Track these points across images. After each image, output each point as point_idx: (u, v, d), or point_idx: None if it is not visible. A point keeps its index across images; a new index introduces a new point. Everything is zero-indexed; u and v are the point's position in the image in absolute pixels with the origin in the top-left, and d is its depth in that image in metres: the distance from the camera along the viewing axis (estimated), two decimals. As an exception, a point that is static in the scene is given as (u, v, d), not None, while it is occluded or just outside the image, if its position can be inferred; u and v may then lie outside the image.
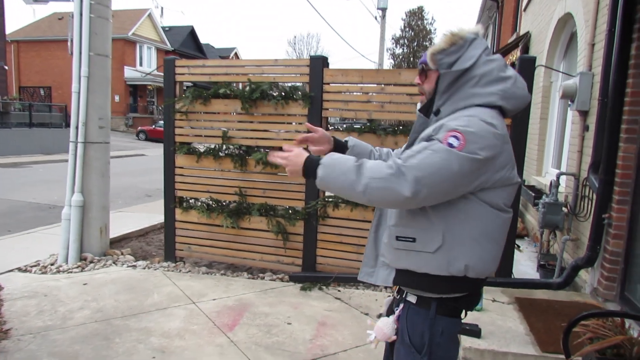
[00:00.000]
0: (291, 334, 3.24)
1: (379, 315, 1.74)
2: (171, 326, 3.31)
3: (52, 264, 4.70)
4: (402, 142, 4.10)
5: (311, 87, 4.32)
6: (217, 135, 4.64)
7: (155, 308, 3.64)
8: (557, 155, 6.05)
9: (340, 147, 1.79)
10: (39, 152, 16.67)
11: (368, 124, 4.23)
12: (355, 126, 4.21)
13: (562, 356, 2.50)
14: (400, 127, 4.17)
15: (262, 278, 4.51)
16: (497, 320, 3.15)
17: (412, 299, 1.55)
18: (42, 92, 29.92)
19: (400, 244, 1.51)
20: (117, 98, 29.63)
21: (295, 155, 1.51)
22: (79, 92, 4.79)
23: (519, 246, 5.51)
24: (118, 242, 5.81)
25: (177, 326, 3.32)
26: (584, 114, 4.48)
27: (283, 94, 4.46)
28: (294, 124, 4.50)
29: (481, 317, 3.10)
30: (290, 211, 4.58)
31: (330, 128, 4.43)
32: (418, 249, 1.48)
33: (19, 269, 4.57)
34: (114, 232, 6.01)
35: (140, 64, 32.44)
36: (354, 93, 4.27)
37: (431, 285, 1.49)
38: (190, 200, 4.94)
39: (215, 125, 4.73)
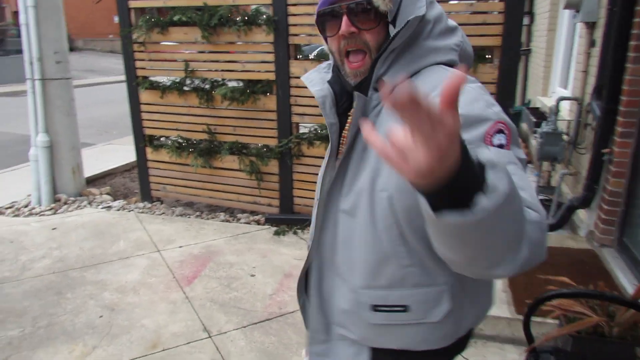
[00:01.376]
0: (252, 288, 3.10)
1: None
2: (128, 279, 3.20)
3: (25, 206, 4.60)
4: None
5: (275, 9, 3.81)
6: (179, 68, 4.25)
7: (118, 257, 3.52)
8: (564, 75, 5.48)
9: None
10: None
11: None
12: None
13: (539, 319, 2.28)
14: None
15: (239, 220, 4.34)
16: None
17: None
18: None
19: (380, 318, 0.98)
20: (115, 19, 28.39)
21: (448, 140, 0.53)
22: (27, 24, 4.37)
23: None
24: (102, 179, 5.68)
25: (134, 279, 3.20)
26: (590, 26, 3.92)
27: (246, 18, 3.97)
28: (261, 53, 4.06)
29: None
30: (263, 149, 4.28)
31: (299, 57, 3.98)
32: (413, 321, 0.97)
33: (-9, 213, 4.50)
34: (99, 167, 5.88)
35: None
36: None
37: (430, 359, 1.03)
38: (161, 139, 4.67)
39: (177, 57, 4.31)
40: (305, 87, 1.19)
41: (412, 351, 0.99)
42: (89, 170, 5.65)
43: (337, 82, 1.05)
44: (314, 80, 1.08)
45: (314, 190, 1.21)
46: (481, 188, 0.57)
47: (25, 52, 4.43)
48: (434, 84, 0.88)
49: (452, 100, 0.50)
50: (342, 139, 1.04)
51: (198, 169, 4.41)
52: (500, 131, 0.80)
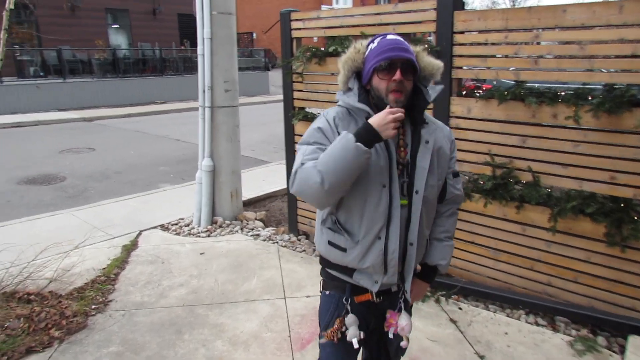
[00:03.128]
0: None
1: (357, 330, 1.66)
2: (245, 328, 3.03)
3: (187, 225, 4.91)
4: (563, 113, 2.84)
5: (438, 37, 3.27)
6: (332, 100, 4.00)
7: (245, 298, 3.41)
8: None
9: None
10: (242, 94, 18.35)
11: (514, 87, 3.02)
12: (496, 91, 3.06)
13: None
14: (562, 93, 2.85)
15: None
16: None
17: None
18: (253, 35, 32.67)
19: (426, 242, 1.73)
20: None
21: None
22: (203, 55, 4.65)
23: None
24: (262, 201, 5.84)
25: (251, 329, 3.01)
26: None
27: (407, 48, 3.51)
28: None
29: None
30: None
31: (462, 94, 3.34)
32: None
33: (162, 226, 4.91)
34: (263, 188, 6.07)
35: (337, 1, 32.53)
36: (494, 45, 3.07)
37: None
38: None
39: (331, 88, 4.07)
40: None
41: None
42: (254, 191, 5.87)
43: (367, 103, 1.57)
44: (352, 100, 1.59)
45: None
46: None
47: (199, 81, 4.73)
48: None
49: None
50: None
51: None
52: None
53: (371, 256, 1.58)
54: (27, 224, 4.95)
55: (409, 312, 1.74)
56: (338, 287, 1.71)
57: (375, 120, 1.45)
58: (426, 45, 3.34)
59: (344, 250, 1.62)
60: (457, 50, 3.22)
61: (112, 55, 16.65)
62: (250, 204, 5.63)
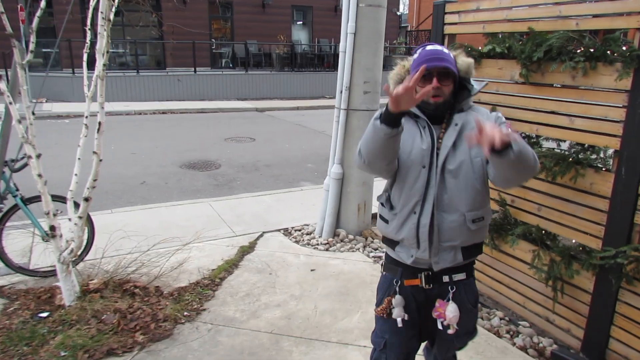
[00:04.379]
0: None
1: (403, 311, 1.84)
2: (326, 380, 2.54)
3: (308, 234, 4.60)
4: None
5: (643, 38, 2.27)
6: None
7: (338, 339, 2.91)
8: None
9: None
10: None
11: None
12: None
13: None
14: None
15: (514, 336, 3.03)
16: None
17: (460, 276, 1.85)
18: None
19: (476, 225, 1.78)
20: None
21: None
22: (344, 51, 4.23)
23: None
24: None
25: (331, 384, 2.51)
26: None
27: (591, 51, 2.56)
28: (604, 107, 2.57)
29: None
30: (577, 250, 2.80)
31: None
32: (484, 225, 1.84)
33: (285, 230, 4.70)
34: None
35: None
36: None
37: (480, 249, 1.90)
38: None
39: (484, 98, 3.27)
40: None
41: (480, 243, 1.88)
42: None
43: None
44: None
45: None
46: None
47: (338, 80, 4.34)
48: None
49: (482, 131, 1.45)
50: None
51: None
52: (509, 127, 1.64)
53: (406, 228, 1.79)
54: (169, 209, 5.22)
55: (461, 304, 1.83)
56: (393, 269, 1.90)
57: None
58: (622, 47, 2.39)
59: (386, 221, 1.87)
60: (672, 55, 2.19)
61: (291, 49, 17.54)
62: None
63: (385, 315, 1.86)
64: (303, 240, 4.47)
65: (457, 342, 1.97)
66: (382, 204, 1.91)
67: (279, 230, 4.70)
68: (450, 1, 3.50)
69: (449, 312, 1.78)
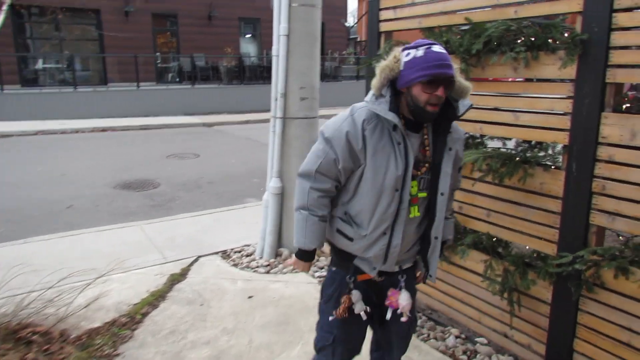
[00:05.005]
0: None
1: (363, 304, 1.83)
2: None
3: (248, 255, 4.20)
4: None
5: (586, 21, 2.05)
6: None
7: (274, 377, 2.53)
8: None
9: None
10: (324, 105, 17.65)
11: None
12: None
13: None
14: None
15: (473, 356, 2.74)
16: None
17: (409, 264, 1.90)
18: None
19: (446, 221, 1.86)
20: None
21: None
22: (277, 56, 3.90)
23: None
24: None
25: None
26: None
27: (532, 39, 2.33)
28: (549, 99, 2.34)
29: None
30: (531, 257, 2.55)
31: (622, 108, 2.06)
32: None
33: (223, 253, 4.27)
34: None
35: None
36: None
37: None
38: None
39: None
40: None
41: None
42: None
43: (397, 112, 1.62)
44: (382, 110, 1.62)
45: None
46: None
47: (272, 86, 4.00)
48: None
49: None
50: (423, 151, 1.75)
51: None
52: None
53: (375, 249, 1.73)
54: (94, 235, 4.68)
55: (411, 291, 1.87)
56: (344, 266, 1.84)
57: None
58: (564, 35, 2.17)
59: (350, 239, 1.77)
60: (617, 38, 1.98)
61: (239, 62, 17.13)
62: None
63: (347, 314, 1.81)
64: (242, 263, 4.06)
65: (412, 329, 2.01)
66: (341, 219, 1.80)
67: (216, 253, 4.27)
68: (385, -4, 3.25)
69: (402, 299, 1.81)
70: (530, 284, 2.50)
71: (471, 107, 1.69)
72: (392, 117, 1.59)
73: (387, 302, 1.84)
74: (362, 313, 1.81)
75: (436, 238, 1.77)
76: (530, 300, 2.57)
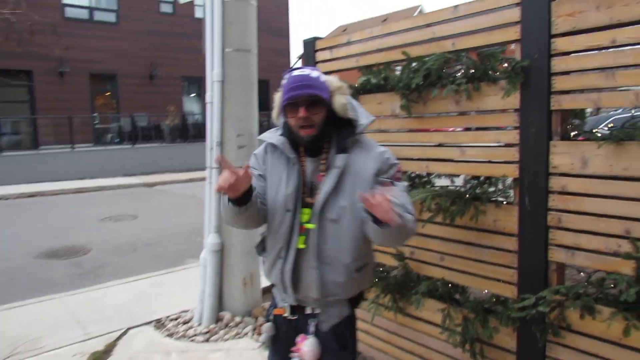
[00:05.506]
0: None
1: (264, 344, 1.82)
2: None
3: (186, 322, 3.75)
4: None
5: (525, 47, 1.98)
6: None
7: None
8: None
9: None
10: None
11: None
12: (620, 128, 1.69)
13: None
14: None
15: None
16: None
17: (346, 311, 1.74)
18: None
19: (360, 273, 1.69)
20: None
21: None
22: (212, 102, 3.68)
23: None
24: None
25: None
26: None
27: (472, 71, 2.24)
28: (495, 131, 2.23)
29: None
30: (491, 302, 2.34)
31: (570, 136, 1.97)
32: (370, 269, 1.78)
33: (157, 322, 3.79)
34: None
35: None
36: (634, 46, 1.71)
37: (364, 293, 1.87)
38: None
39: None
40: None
41: (365, 288, 1.84)
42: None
43: (289, 137, 1.66)
44: (271, 137, 1.70)
45: None
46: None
47: (207, 135, 3.74)
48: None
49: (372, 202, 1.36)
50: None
51: (383, 312, 2.75)
52: (399, 171, 1.71)
53: (274, 272, 1.72)
54: (3, 313, 4.06)
55: (332, 344, 1.72)
56: (274, 294, 1.86)
57: None
58: (503, 64, 2.09)
59: (264, 262, 1.81)
60: (558, 63, 1.90)
61: (182, 120, 16.85)
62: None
63: (262, 343, 1.82)
64: (178, 332, 3.60)
65: None
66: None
67: (149, 322, 3.79)
68: (320, 38, 3.16)
69: (305, 346, 1.67)
70: (493, 332, 2.28)
71: (372, 121, 1.71)
72: (268, 138, 1.70)
73: (292, 349, 1.72)
74: (259, 344, 1.80)
75: (326, 264, 1.64)
76: (494, 350, 2.34)
